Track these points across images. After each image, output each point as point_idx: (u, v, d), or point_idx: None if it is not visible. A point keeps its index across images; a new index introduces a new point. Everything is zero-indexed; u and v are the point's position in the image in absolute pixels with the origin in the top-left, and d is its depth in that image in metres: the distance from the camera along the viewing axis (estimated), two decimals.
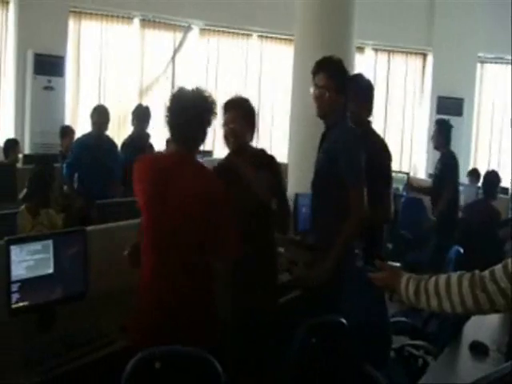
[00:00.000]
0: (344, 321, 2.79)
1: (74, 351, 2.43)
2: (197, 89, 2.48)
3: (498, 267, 1.75)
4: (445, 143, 5.80)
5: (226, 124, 3.03)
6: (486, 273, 1.77)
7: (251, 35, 10.09)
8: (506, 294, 1.71)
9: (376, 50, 10.25)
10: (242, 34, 10.07)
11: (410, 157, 9.87)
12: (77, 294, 2.80)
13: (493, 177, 5.78)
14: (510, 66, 9.40)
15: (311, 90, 3.25)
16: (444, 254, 4.26)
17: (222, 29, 9.89)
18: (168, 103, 2.48)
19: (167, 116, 2.47)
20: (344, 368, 2.83)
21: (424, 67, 9.99)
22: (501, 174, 5.94)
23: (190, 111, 2.42)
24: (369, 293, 3.19)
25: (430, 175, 8.17)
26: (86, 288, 2.84)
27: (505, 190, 6.96)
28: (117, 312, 2.82)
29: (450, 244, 4.52)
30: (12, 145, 6.63)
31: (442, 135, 5.83)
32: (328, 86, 3.18)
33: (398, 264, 4.68)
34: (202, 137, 2.49)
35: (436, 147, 5.92)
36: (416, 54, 10.09)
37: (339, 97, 3.21)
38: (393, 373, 3.13)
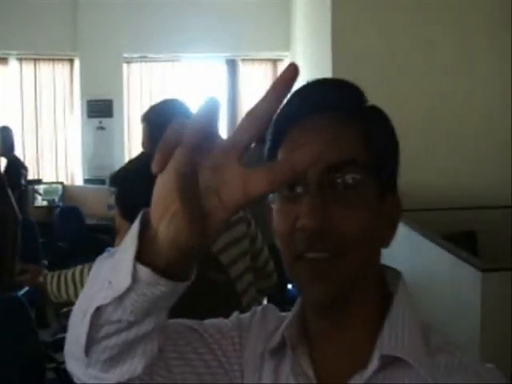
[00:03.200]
0: None
1: None
2: None
3: None
4: (10, 149, 6.31)
5: None
6: None
7: None
8: None
9: (21, 60, 9.72)
10: None
11: (66, 165, 9.61)
12: None
13: None
14: (152, 63, 9.84)
15: None
16: None
17: None
18: None
19: None
20: None
21: (72, 73, 9.81)
22: None
23: None
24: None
25: (86, 180, 8.21)
26: None
27: None
28: None
29: None
30: None
31: (6, 142, 6.31)
32: None
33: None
34: None
35: (2, 154, 6.33)
36: (63, 60, 9.84)
37: None
38: None
